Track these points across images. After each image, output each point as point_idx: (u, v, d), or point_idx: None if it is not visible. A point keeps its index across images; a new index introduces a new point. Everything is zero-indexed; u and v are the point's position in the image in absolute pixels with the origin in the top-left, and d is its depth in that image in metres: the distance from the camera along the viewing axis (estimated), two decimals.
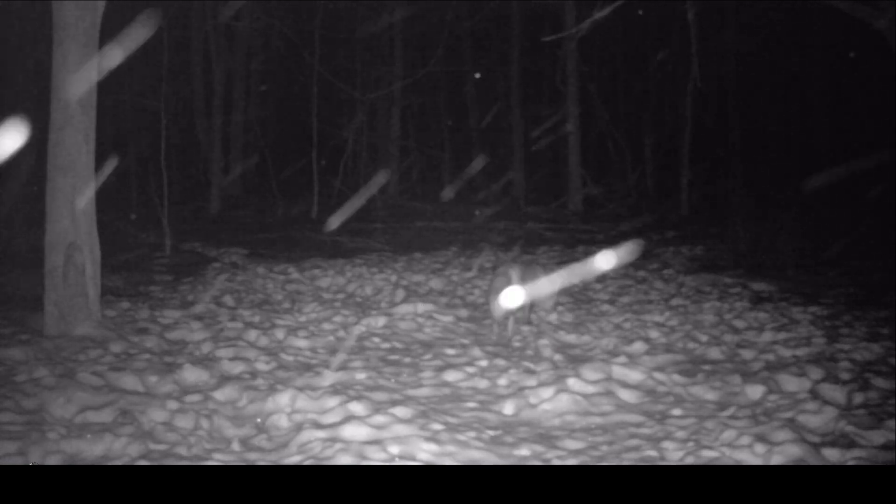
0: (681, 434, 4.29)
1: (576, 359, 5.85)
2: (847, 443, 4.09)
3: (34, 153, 9.24)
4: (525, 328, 6.85)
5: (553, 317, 7.22)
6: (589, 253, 10.96)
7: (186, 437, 4.22)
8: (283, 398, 4.75)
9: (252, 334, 6.34)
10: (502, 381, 5.31)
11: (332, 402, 4.65)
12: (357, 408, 4.53)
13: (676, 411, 4.72)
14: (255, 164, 18.07)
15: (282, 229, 13.09)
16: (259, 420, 4.57)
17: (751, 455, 3.91)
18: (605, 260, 9.71)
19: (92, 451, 4.04)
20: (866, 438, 4.14)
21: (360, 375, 5.37)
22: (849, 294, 8.14)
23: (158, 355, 5.74)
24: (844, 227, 11.23)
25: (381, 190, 16.22)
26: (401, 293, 8.02)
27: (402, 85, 17.31)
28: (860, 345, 5.92)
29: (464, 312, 7.38)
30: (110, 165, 7.63)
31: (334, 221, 12.37)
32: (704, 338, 6.37)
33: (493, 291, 6.33)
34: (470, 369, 5.53)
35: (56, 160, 5.95)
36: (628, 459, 4.01)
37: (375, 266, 9.50)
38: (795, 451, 3.88)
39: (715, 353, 5.99)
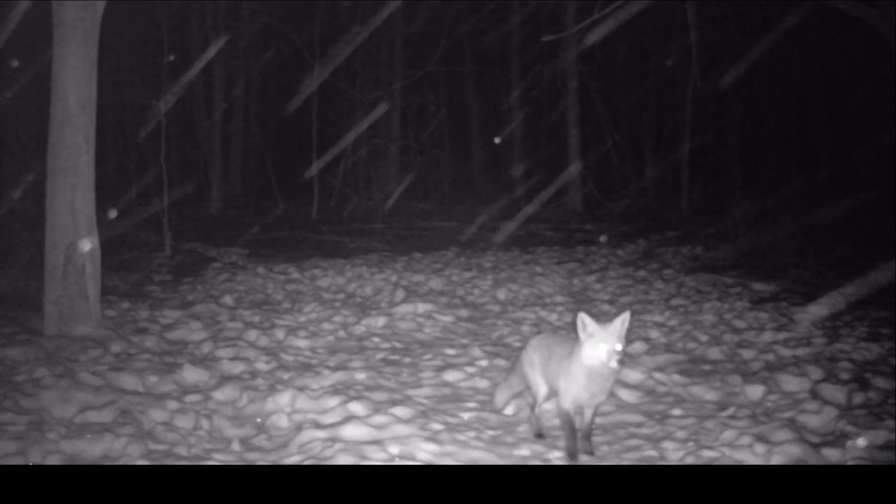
0: (681, 434, 4.29)
1: None
2: (847, 443, 4.09)
3: (34, 153, 9.24)
4: (525, 328, 6.85)
5: (553, 317, 7.22)
6: (589, 253, 10.98)
7: (186, 437, 4.22)
8: (283, 398, 4.75)
9: (252, 334, 6.34)
10: None
11: (332, 402, 4.65)
12: (357, 408, 4.53)
13: (676, 411, 4.72)
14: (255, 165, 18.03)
15: (282, 229, 13.08)
16: (259, 420, 4.57)
17: (751, 455, 3.91)
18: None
19: (92, 451, 4.04)
20: (866, 438, 4.14)
21: (360, 375, 5.37)
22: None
23: (158, 355, 5.74)
24: (845, 227, 11.22)
25: (381, 191, 16.19)
26: (401, 293, 8.02)
27: (401, 85, 17.29)
28: (860, 345, 5.92)
29: (464, 312, 7.38)
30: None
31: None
32: (704, 338, 6.37)
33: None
34: (470, 369, 5.53)
35: (56, 160, 5.94)
36: (628, 459, 4.01)
37: (375, 266, 9.50)
38: (795, 451, 3.88)
39: (715, 353, 5.99)
